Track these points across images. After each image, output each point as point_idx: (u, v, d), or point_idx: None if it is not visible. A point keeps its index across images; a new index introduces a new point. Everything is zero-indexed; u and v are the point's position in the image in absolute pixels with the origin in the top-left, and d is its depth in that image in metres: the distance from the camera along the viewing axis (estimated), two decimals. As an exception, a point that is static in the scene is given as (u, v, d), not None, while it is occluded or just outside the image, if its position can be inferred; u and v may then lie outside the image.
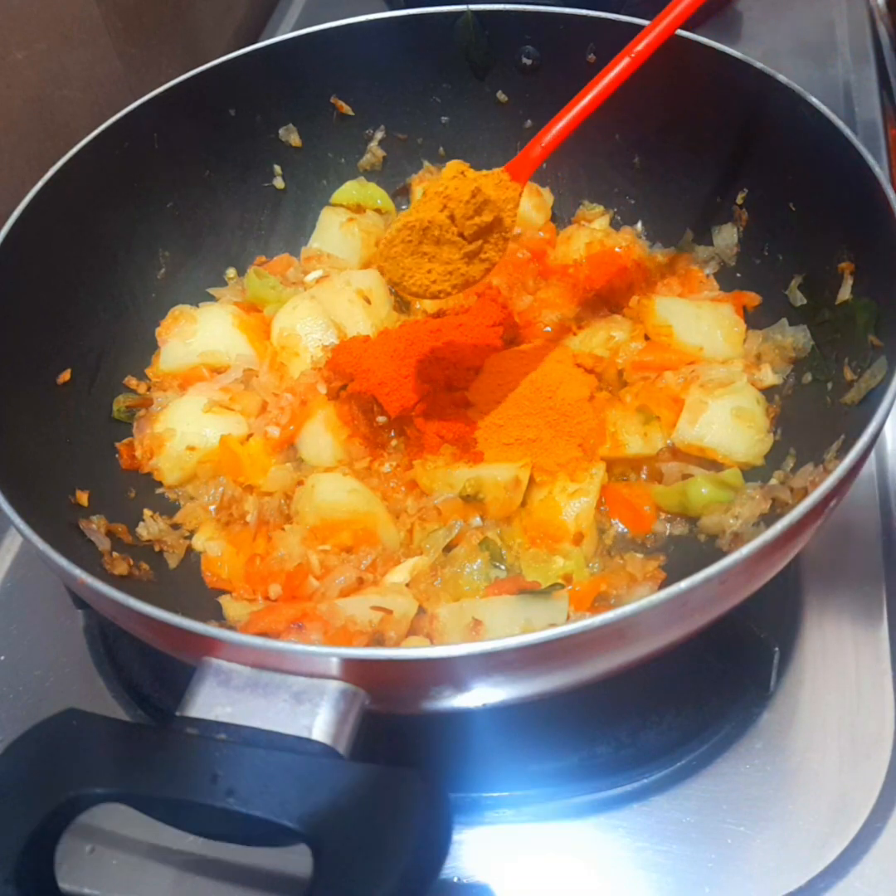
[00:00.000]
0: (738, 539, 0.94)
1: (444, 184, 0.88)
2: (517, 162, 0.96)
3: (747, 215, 1.12)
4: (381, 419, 1.03)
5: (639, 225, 1.25)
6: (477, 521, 0.99)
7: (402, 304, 1.23)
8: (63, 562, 0.72)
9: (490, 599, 0.90)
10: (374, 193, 1.29)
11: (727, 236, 1.15)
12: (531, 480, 0.99)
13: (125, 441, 1.07)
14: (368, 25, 1.18)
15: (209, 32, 1.77)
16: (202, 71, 1.13)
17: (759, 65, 1.01)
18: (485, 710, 0.73)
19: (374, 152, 1.29)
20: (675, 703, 0.92)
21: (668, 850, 0.85)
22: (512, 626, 0.86)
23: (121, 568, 0.92)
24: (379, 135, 1.29)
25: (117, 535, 0.96)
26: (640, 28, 1.09)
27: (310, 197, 1.29)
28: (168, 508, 1.04)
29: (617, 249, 1.17)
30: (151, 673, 0.99)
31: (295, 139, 1.25)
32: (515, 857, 0.86)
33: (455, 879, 0.84)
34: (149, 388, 1.13)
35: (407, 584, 0.93)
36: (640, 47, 0.94)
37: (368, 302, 1.17)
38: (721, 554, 0.67)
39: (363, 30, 1.18)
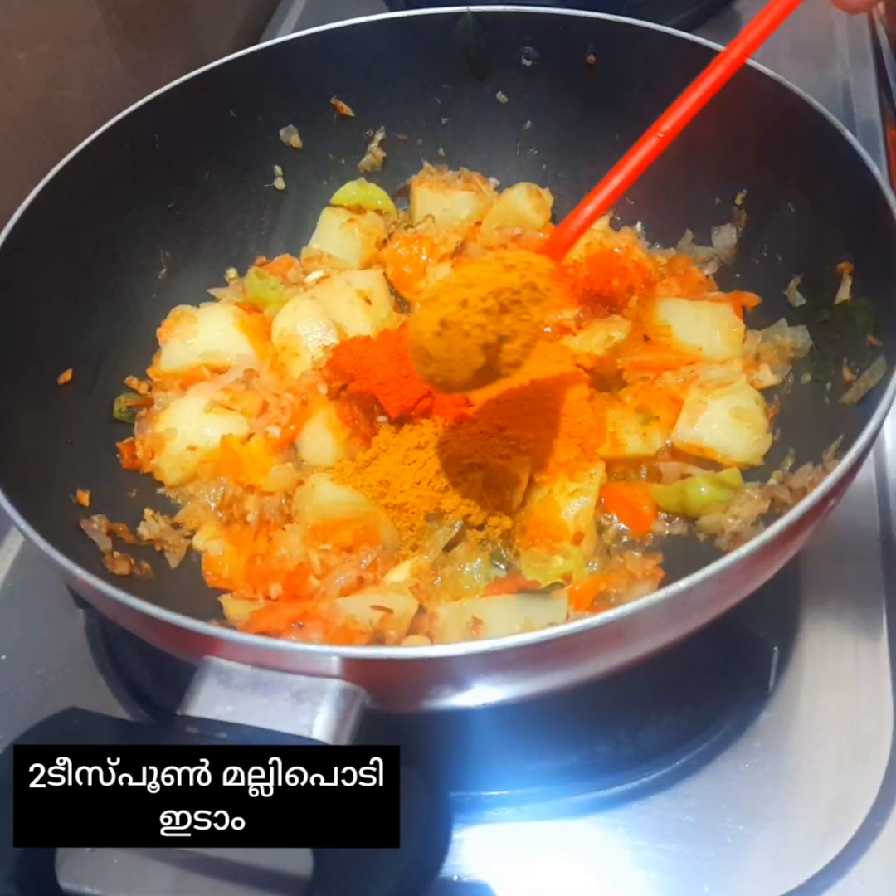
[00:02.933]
0: (737, 538, 0.94)
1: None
2: (549, 245, 0.97)
3: (746, 216, 1.13)
4: (381, 419, 1.04)
5: (638, 225, 1.25)
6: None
7: (402, 305, 1.23)
8: (64, 561, 0.72)
9: (490, 599, 0.90)
10: (374, 194, 1.29)
11: (726, 237, 1.15)
12: (531, 480, 1.00)
13: (126, 441, 1.07)
14: (369, 27, 1.18)
15: (210, 33, 1.78)
16: (203, 72, 1.13)
17: (757, 66, 1.01)
18: (484, 709, 0.73)
19: (375, 153, 1.29)
20: (675, 702, 0.92)
21: (667, 849, 0.85)
22: (512, 625, 0.86)
23: (122, 567, 0.92)
24: (379, 136, 1.29)
25: (118, 534, 0.96)
26: (638, 30, 1.11)
27: (310, 198, 1.30)
28: (169, 508, 1.05)
29: (616, 250, 1.17)
30: (152, 672, 0.99)
31: (295, 140, 1.26)
32: (515, 856, 0.86)
33: (455, 878, 0.84)
34: (150, 388, 1.13)
35: (407, 584, 0.94)
36: (666, 126, 0.92)
37: (369, 302, 1.17)
38: (720, 553, 0.67)
39: (363, 31, 1.18)
